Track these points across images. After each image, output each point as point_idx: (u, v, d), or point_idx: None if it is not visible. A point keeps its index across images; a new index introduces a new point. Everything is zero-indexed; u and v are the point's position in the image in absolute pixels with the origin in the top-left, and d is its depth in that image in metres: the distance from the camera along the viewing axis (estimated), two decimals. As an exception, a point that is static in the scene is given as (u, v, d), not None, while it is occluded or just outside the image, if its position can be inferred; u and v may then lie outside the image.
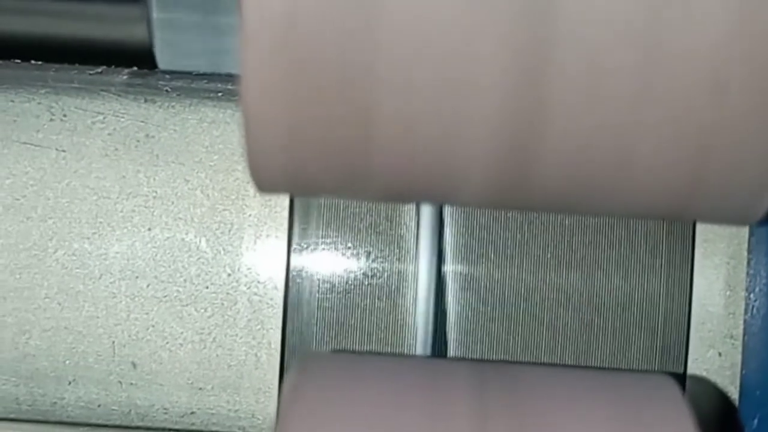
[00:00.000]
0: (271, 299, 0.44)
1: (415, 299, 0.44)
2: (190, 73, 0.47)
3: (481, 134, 0.33)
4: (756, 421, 0.41)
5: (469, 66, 0.32)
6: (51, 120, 0.45)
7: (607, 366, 0.43)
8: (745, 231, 0.44)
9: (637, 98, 0.32)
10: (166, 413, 0.45)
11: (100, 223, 0.44)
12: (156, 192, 0.44)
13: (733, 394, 0.44)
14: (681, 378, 0.43)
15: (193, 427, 0.45)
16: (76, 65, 0.47)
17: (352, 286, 0.44)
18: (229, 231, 0.44)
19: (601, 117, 0.33)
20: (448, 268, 0.44)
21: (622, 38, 0.31)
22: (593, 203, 0.36)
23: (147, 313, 0.44)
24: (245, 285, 0.44)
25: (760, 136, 0.33)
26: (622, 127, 0.33)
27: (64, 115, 0.45)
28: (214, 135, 0.44)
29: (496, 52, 0.32)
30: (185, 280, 0.44)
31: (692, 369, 0.44)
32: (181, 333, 0.44)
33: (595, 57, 0.32)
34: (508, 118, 0.33)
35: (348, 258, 0.44)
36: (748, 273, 0.43)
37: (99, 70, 0.47)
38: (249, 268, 0.44)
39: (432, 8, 0.31)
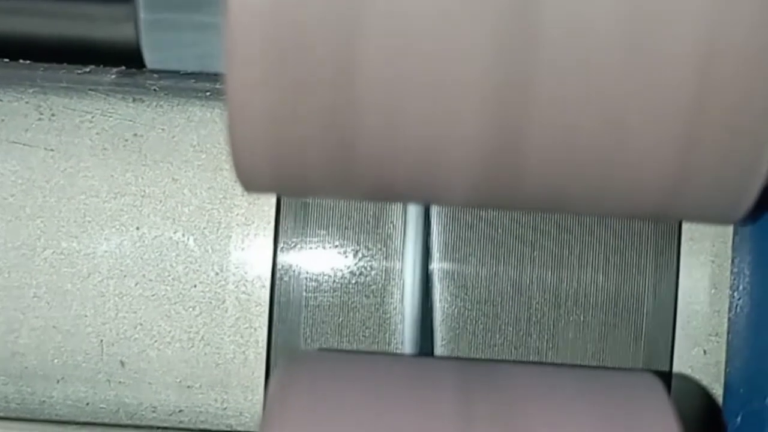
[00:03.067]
0: (259, 298, 0.44)
1: (402, 297, 0.44)
2: (177, 72, 0.47)
3: (465, 131, 0.33)
4: (739, 418, 0.41)
5: (453, 63, 0.32)
6: (39, 119, 0.45)
7: (593, 363, 0.44)
8: (729, 230, 0.44)
9: (622, 96, 0.32)
10: (154, 411, 0.45)
11: (89, 222, 0.44)
12: (144, 191, 0.44)
13: (718, 391, 0.44)
14: (666, 376, 0.44)
15: (182, 425, 0.45)
16: (65, 65, 0.47)
17: (339, 285, 0.44)
18: (217, 230, 0.44)
19: (586, 115, 0.33)
20: (435, 266, 0.44)
21: (606, 37, 0.31)
22: (579, 202, 0.36)
23: (135, 312, 0.44)
24: (233, 283, 0.44)
25: (743, 134, 0.33)
26: (607, 125, 0.33)
27: (53, 115, 0.45)
28: (201, 134, 0.44)
29: (480, 50, 0.32)
30: (173, 279, 0.44)
31: (677, 366, 0.44)
32: (169, 331, 0.44)
33: (579, 56, 0.32)
34: (492, 115, 0.33)
35: (335, 256, 0.44)
36: (732, 271, 0.43)
37: (87, 69, 0.47)
38: (237, 267, 0.44)
39: (417, 5, 0.31)
